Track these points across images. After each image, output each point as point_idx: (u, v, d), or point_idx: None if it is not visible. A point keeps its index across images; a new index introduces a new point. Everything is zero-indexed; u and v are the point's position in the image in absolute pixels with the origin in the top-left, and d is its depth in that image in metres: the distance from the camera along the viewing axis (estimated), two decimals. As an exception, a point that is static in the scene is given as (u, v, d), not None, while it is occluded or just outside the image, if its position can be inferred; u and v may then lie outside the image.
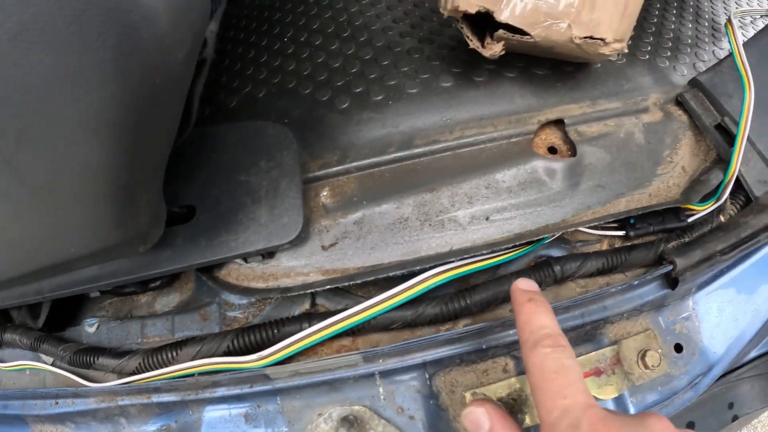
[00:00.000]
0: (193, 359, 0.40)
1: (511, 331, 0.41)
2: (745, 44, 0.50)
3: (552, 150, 0.46)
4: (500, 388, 0.41)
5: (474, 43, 0.43)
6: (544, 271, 0.41)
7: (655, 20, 0.57)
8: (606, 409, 0.29)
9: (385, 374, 0.40)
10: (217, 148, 0.43)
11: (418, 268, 0.40)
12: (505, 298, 0.41)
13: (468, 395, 0.41)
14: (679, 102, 0.50)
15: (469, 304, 0.40)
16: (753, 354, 0.48)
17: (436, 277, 0.39)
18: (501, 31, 0.42)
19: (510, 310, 0.42)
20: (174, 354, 0.40)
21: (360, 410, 0.40)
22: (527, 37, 0.42)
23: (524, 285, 0.34)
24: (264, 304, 0.42)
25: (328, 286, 0.39)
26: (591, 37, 0.42)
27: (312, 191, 0.42)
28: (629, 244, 0.46)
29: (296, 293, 0.39)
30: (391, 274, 0.39)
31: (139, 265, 0.40)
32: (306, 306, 0.42)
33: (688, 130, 0.49)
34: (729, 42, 0.49)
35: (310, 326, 0.39)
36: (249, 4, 0.55)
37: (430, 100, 0.45)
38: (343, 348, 0.41)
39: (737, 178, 0.47)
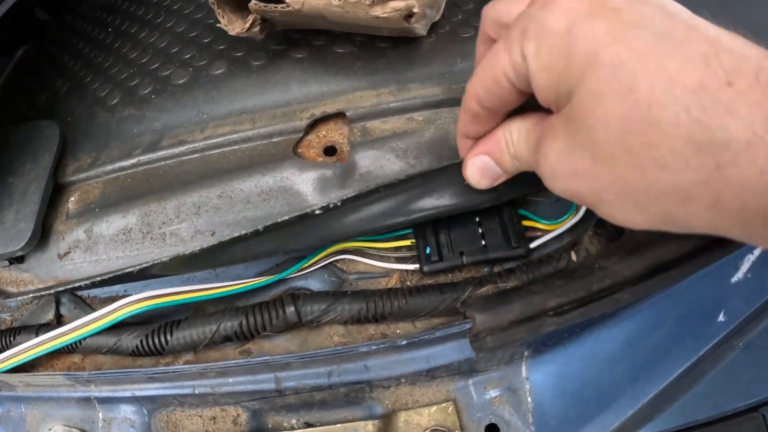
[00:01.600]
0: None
1: (230, 379, 0.33)
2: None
3: (330, 151, 0.35)
4: (223, 444, 0.33)
5: (224, 21, 0.34)
6: (270, 312, 0.32)
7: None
8: None
9: (103, 401, 0.36)
10: (4, 149, 0.42)
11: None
12: (224, 339, 0.32)
13: (189, 444, 0.34)
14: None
15: (172, 340, 0.33)
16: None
17: (138, 304, 0.33)
18: (253, 2, 0.33)
19: (240, 351, 0.34)
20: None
21: (77, 434, 0.36)
22: (282, 5, 0.32)
23: None
24: (26, 309, 0.41)
25: (32, 295, 0.35)
26: (355, -4, 0.30)
27: (65, 196, 0.39)
28: (429, 282, 0.33)
29: (16, 301, 0.37)
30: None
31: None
32: (50, 316, 0.39)
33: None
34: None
35: (37, 337, 0.36)
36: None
37: (191, 92, 0.38)
38: (73, 365, 0.37)
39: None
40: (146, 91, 0.39)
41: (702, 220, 0.19)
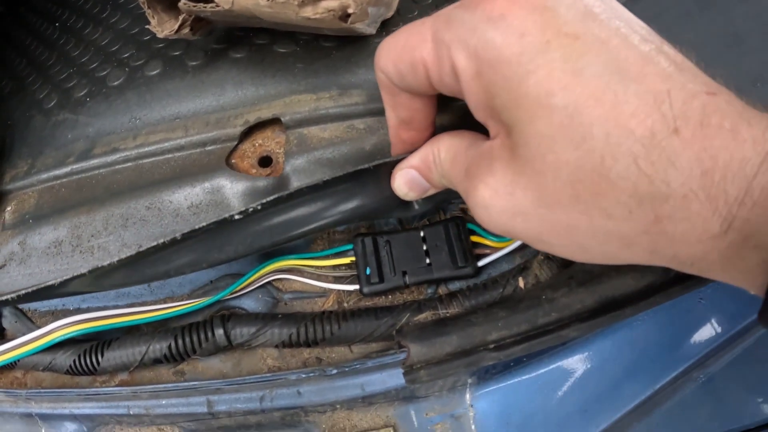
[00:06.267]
0: None
1: (163, 401, 0.30)
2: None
3: (265, 161, 0.31)
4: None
5: (154, 22, 0.31)
6: (199, 334, 0.29)
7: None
8: None
9: (44, 418, 0.34)
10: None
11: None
12: (154, 362, 0.30)
13: (127, 462, 0.32)
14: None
15: (103, 361, 0.30)
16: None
17: (69, 328, 0.30)
18: (183, 1, 0.29)
19: (173, 372, 0.31)
20: None
21: (21, 450, 0.35)
22: (212, 5, 0.28)
23: None
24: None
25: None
26: (282, -8, 0.26)
27: (2, 205, 0.36)
28: (366, 305, 0.30)
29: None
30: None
31: None
32: (-8, 327, 0.37)
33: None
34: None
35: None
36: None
37: (125, 95, 0.34)
38: (15, 381, 0.36)
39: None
40: (82, 94, 0.36)
41: (641, 259, 0.19)
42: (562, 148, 0.17)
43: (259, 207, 0.25)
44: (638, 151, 0.16)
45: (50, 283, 0.28)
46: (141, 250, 0.26)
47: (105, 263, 0.27)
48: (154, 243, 0.26)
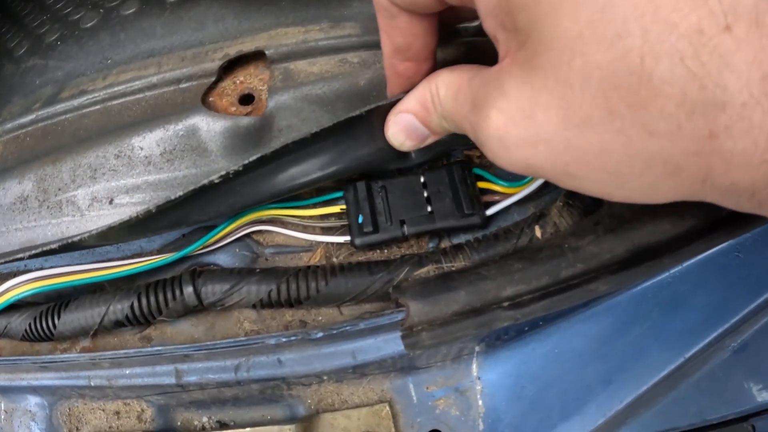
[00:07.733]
0: None
1: (126, 371, 0.27)
2: None
3: (246, 99, 0.28)
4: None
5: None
6: (166, 292, 0.25)
7: None
8: None
9: (4, 391, 0.30)
10: None
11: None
12: (116, 324, 0.26)
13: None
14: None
15: (59, 324, 0.27)
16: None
17: (25, 286, 0.27)
18: None
19: (139, 337, 0.28)
20: None
21: (-24, 425, 0.31)
22: None
23: None
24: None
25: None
26: None
27: (-32, 158, 0.33)
28: (359, 259, 0.26)
29: None
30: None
31: None
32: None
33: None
34: None
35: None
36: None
37: (97, 36, 0.31)
38: (-26, 350, 0.32)
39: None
40: (53, 38, 0.33)
41: (688, 192, 0.16)
42: (592, 48, 0.14)
43: (240, 169, 0.22)
44: (685, 48, 0.13)
45: (18, 256, 0.25)
46: (113, 225, 0.23)
47: (76, 239, 0.24)
48: (126, 217, 0.22)
